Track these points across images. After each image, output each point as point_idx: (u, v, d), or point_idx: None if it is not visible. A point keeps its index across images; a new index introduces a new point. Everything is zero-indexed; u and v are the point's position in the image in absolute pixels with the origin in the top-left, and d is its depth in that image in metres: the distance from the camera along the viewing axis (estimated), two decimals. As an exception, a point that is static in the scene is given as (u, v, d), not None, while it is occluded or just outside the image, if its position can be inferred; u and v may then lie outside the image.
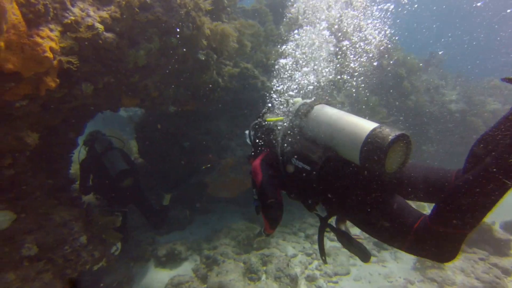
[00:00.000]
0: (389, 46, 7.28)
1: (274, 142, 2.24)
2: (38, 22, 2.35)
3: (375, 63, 6.57)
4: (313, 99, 2.15)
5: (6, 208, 2.83)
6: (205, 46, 4.00)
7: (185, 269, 4.90)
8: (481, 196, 1.28)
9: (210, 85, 4.70)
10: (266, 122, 2.36)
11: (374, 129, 1.58)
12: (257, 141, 2.40)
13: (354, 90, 6.83)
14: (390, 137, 1.49)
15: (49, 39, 2.36)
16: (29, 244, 2.80)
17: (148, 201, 4.64)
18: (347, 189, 1.74)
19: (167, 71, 3.78)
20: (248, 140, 2.54)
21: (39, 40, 2.25)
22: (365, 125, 1.64)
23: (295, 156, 2.02)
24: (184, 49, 3.76)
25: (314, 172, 1.87)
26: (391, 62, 7.85)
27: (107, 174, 3.94)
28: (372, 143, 1.53)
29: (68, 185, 3.61)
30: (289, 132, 2.11)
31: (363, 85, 6.85)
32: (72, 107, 3.28)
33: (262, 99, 5.64)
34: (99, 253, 3.37)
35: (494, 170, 1.23)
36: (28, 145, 2.58)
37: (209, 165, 5.49)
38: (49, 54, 2.31)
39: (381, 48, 6.23)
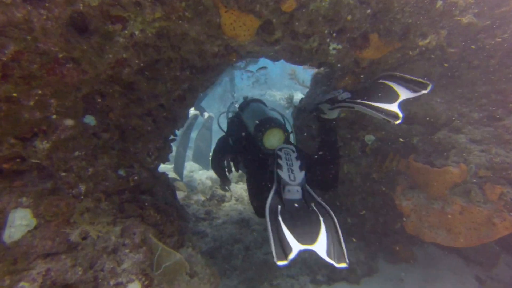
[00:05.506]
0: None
1: (228, 129, 3.31)
2: None
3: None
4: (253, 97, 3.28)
5: (30, 205, 1.69)
6: None
7: None
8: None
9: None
10: (229, 115, 3.54)
11: (261, 119, 2.50)
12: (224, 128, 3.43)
13: None
14: (267, 124, 2.41)
15: None
16: (27, 283, 1.49)
17: None
18: (248, 158, 2.75)
19: None
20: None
21: None
22: (260, 115, 2.61)
23: (233, 137, 3.08)
24: None
25: (236, 147, 2.97)
26: None
27: None
28: (257, 127, 2.45)
29: (154, 184, 2.22)
30: (234, 121, 3.24)
31: None
32: (141, 43, 1.82)
33: None
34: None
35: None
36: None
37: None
38: None
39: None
